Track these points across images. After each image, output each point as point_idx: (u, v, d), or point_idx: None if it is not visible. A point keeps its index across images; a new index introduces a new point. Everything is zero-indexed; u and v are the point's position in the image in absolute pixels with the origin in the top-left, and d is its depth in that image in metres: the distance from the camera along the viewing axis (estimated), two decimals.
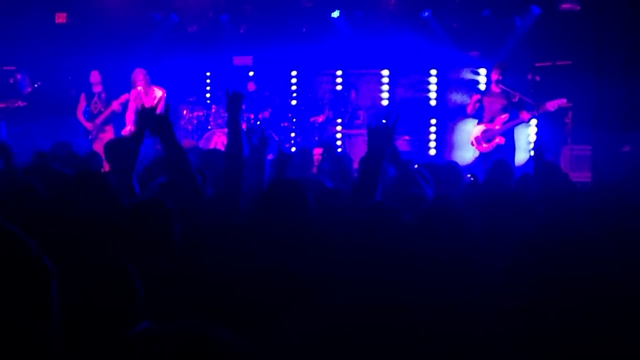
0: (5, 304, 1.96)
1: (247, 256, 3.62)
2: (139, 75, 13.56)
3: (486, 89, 12.61)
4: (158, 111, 5.02)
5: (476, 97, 12.46)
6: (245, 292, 3.32)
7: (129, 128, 13.52)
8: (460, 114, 13.53)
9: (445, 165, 7.73)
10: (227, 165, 4.86)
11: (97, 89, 14.07)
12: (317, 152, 11.07)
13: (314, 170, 10.26)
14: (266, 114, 14.64)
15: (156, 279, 3.23)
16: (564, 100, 11.94)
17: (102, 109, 13.99)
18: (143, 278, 3.07)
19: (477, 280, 3.36)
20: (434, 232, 3.41)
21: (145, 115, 5.16)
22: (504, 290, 3.39)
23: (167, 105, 4.97)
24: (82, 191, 4.36)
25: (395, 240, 3.36)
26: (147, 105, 13.16)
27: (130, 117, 13.57)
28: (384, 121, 4.48)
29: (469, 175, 7.66)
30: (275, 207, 3.77)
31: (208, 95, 16.26)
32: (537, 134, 13.79)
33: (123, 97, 13.80)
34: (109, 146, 7.32)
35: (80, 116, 14.20)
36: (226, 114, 5.01)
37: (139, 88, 13.44)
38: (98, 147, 12.42)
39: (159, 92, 13.63)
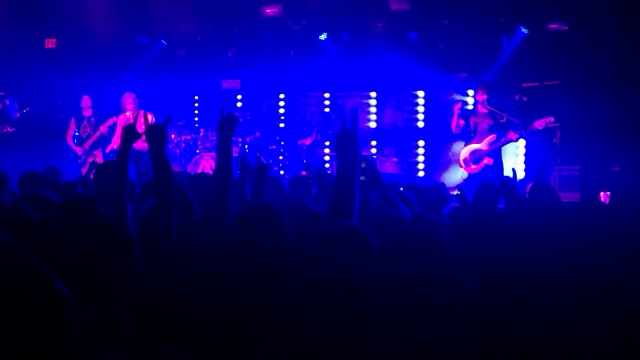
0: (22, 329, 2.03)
1: (227, 283, 3.59)
2: (128, 99, 13.58)
3: (473, 109, 12.62)
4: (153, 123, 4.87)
5: (457, 107, 12.44)
6: (222, 319, 3.30)
7: (112, 146, 13.62)
8: (448, 135, 13.54)
9: (430, 187, 7.72)
10: (214, 189, 4.80)
11: (87, 113, 14.10)
12: (303, 174, 11.08)
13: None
14: (250, 138, 14.65)
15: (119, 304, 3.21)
16: (552, 119, 11.95)
17: (91, 133, 14.01)
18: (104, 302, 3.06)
19: (448, 309, 3.33)
20: (405, 257, 3.36)
21: (129, 131, 5.06)
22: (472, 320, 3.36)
23: (169, 116, 4.79)
24: (71, 217, 4.30)
25: (361, 266, 3.31)
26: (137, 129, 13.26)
27: (117, 141, 13.58)
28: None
29: (456, 192, 7.65)
30: (251, 232, 3.72)
31: (196, 119, 16.25)
32: (526, 154, 13.80)
33: (111, 120, 13.82)
34: (98, 170, 7.26)
35: (70, 141, 14.21)
36: (217, 135, 4.87)
37: (127, 113, 13.44)
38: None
39: (147, 117, 13.62)
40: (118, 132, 13.61)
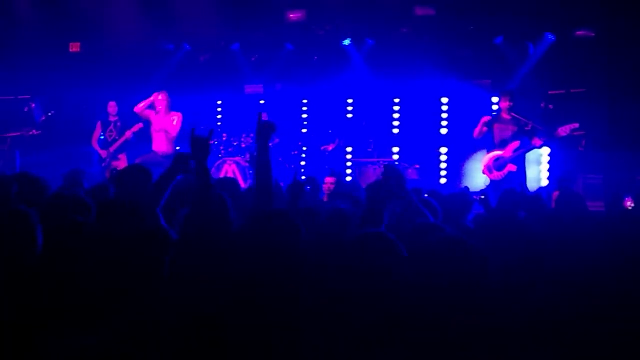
0: None
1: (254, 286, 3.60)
2: (161, 96, 13.68)
3: (497, 116, 12.52)
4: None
5: (485, 119, 12.35)
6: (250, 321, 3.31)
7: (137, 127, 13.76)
8: (472, 142, 13.44)
9: (454, 193, 7.65)
10: (257, 196, 4.88)
11: (114, 118, 14.20)
12: (329, 180, 11.04)
13: (325, 198, 10.23)
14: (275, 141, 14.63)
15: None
16: (577, 125, 11.81)
17: (117, 137, 14.09)
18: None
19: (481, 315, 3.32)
20: (441, 264, 3.38)
21: (181, 158, 5.20)
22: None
23: (211, 130, 5.07)
24: (111, 217, 4.43)
25: (388, 271, 3.32)
26: (162, 124, 13.37)
27: (139, 108, 13.69)
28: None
29: (481, 197, 7.59)
30: (264, 237, 3.72)
31: (219, 123, 16.23)
32: (550, 162, 13.66)
33: (137, 127, 13.89)
34: (119, 175, 7.24)
35: (95, 144, 14.30)
36: (255, 142, 5.15)
37: (158, 107, 13.53)
38: None
39: (175, 117, 13.78)
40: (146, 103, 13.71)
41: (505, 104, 12.09)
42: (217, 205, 4.73)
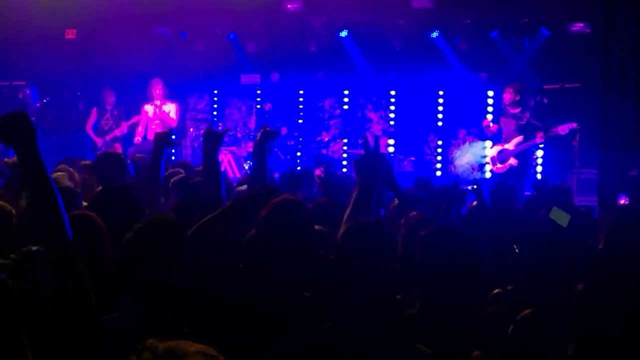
0: None
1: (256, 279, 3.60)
2: (157, 86, 13.70)
3: (502, 109, 12.55)
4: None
5: (486, 122, 12.50)
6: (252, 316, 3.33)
7: (138, 138, 13.76)
8: (467, 134, 13.53)
9: (446, 185, 7.69)
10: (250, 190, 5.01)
11: (111, 107, 14.20)
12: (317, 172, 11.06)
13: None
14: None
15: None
16: (575, 124, 11.93)
17: (114, 126, 14.08)
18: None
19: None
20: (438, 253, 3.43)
21: (161, 138, 5.98)
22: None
23: (226, 130, 6.03)
24: (110, 204, 4.49)
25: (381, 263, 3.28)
26: (158, 114, 13.41)
27: (141, 132, 13.73)
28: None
29: (472, 186, 7.62)
30: (276, 228, 3.63)
31: (215, 112, 16.22)
32: (543, 157, 13.72)
33: (134, 119, 13.93)
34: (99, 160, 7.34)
35: (89, 130, 14.28)
36: (254, 144, 5.51)
37: (157, 102, 13.55)
38: None
39: (172, 106, 13.78)
40: (142, 123, 13.72)
41: (511, 97, 12.15)
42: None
